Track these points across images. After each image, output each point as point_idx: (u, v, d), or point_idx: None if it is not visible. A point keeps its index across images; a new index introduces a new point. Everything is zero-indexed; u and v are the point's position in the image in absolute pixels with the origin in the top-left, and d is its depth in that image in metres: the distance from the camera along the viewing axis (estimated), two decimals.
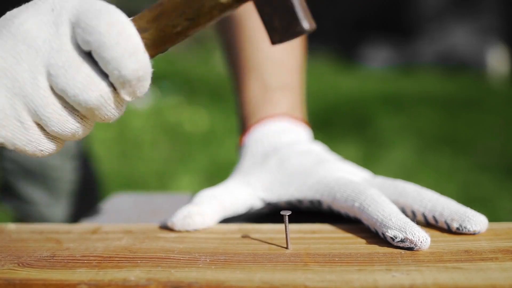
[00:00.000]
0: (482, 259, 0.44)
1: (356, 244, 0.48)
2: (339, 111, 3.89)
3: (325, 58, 6.16)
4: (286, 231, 0.48)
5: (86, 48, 0.42)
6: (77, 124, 0.44)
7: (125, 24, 0.42)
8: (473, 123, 3.54)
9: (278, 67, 0.70)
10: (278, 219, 0.53)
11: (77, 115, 0.44)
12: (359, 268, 0.43)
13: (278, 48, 0.71)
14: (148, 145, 3.20)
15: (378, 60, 6.30)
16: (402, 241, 0.47)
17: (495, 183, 2.45)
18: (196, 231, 0.54)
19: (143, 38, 0.44)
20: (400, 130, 3.34)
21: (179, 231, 0.54)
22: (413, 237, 0.46)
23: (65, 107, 0.44)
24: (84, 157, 1.07)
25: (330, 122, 3.45)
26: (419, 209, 0.52)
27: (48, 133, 0.45)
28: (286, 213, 0.48)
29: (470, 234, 0.49)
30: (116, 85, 0.43)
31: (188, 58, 6.54)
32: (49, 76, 0.42)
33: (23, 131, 0.44)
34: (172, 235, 0.53)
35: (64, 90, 0.42)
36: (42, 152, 0.45)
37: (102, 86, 0.43)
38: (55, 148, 0.46)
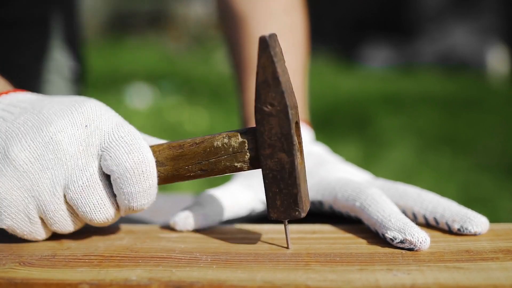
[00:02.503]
0: (483, 259, 0.44)
1: (357, 244, 0.49)
2: (339, 111, 3.89)
3: (325, 58, 6.15)
4: (286, 236, 0.48)
5: (107, 172, 0.46)
6: (74, 226, 0.49)
7: (150, 167, 0.46)
8: (473, 123, 3.54)
9: None
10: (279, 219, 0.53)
11: (78, 220, 0.49)
12: (360, 268, 0.43)
13: (281, 49, 0.71)
14: None
15: (378, 60, 6.30)
16: (401, 242, 0.47)
17: (495, 183, 2.45)
18: (197, 231, 0.54)
19: (158, 171, 0.48)
20: (400, 130, 3.34)
21: (180, 231, 0.54)
22: (412, 238, 0.46)
23: (71, 213, 0.48)
24: None
25: (330, 122, 3.45)
26: (420, 211, 0.52)
27: (48, 227, 0.49)
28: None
29: (471, 235, 0.49)
30: (121, 207, 0.48)
31: (188, 58, 6.54)
32: (67, 189, 0.46)
33: (28, 224, 0.48)
34: (173, 235, 0.53)
35: (76, 206, 0.47)
36: (37, 239, 0.50)
37: (110, 211, 0.48)
38: (48, 236, 0.50)
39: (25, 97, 0.50)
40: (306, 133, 0.65)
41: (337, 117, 3.71)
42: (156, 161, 0.48)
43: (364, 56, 6.44)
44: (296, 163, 0.45)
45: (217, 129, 3.42)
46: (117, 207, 0.48)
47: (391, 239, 0.47)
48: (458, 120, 3.64)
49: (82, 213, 0.47)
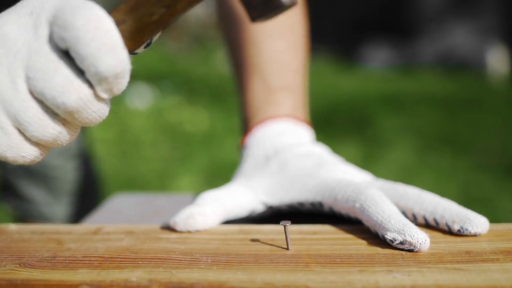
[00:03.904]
0: (483, 260, 0.44)
1: (357, 245, 0.49)
2: (339, 111, 3.89)
3: (325, 59, 6.16)
4: (286, 240, 0.48)
5: (63, 45, 0.41)
6: (59, 129, 0.43)
7: (103, 19, 0.41)
8: (473, 123, 3.54)
9: (281, 67, 0.70)
10: (279, 220, 0.53)
11: (58, 120, 0.43)
12: (360, 269, 0.43)
13: (281, 49, 0.71)
14: (148, 145, 3.20)
15: (378, 60, 6.30)
16: (401, 243, 0.47)
17: (495, 183, 2.45)
18: (197, 232, 0.54)
19: (121, 30, 0.43)
20: (400, 130, 3.34)
21: (180, 232, 0.54)
22: (412, 239, 0.46)
23: (45, 111, 0.42)
24: (85, 157, 1.07)
25: (330, 122, 3.45)
26: (419, 211, 0.52)
27: (29, 138, 0.43)
28: (286, 223, 0.48)
29: (471, 236, 0.49)
30: (93, 81, 0.42)
31: (188, 58, 6.54)
32: (28, 79, 0.41)
33: (3, 136, 0.42)
34: (173, 235, 0.53)
35: (43, 93, 0.41)
36: (23, 158, 0.44)
37: (81, 89, 0.41)
38: (38, 154, 0.44)
39: None
40: (307, 133, 0.65)
41: (337, 117, 3.71)
42: (116, 22, 0.43)
43: (364, 56, 6.44)
44: None
45: (217, 129, 3.42)
46: (89, 84, 0.42)
47: (391, 240, 0.47)
48: (458, 120, 3.64)
49: (52, 101, 0.41)
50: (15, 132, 0.42)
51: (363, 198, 0.52)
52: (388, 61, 6.28)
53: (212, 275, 0.42)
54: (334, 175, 0.57)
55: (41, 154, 0.44)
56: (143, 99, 4.18)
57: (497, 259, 0.44)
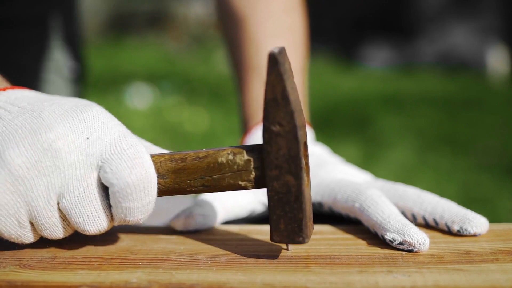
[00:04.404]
0: (483, 261, 0.44)
1: (357, 245, 0.49)
2: (339, 111, 3.89)
3: (325, 58, 6.15)
4: (286, 243, 0.48)
5: (106, 183, 0.45)
6: (65, 233, 0.47)
7: (152, 183, 0.45)
8: (473, 123, 3.53)
9: None
10: None
11: (69, 227, 0.47)
12: (360, 270, 0.43)
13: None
14: None
15: (378, 60, 6.30)
16: (400, 243, 0.47)
17: (495, 183, 2.45)
18: (197, 232, 0.54)
19: (158, 183, 0.47)
20: (400, 130, 3.34)
21: (180, 232, 0.54)
22: (412, 239, 0.46)
23: (63, 220, 0.46)
24: None
25: (330, 122, 3.45)
26: (419, 212, 0.52)
27: (37, 232, 0.47)
28: None
29: (471, 236, 0.49)
30: (115, 220, 0.46)
31: (188, 58, 6.53)
32: (62, 197, 0.45)
33: (17, 228, 0.46)
34: (173, 236, 0.53)
35: (70, 215, 0.45)
36: (23, 242, 0.47)
37: (104, 223, 0.46)
38: (34, 240, 0.48)
39: (23, 94, 0.48)
40: (307, 133, 0.65)
41: (337, 117, 3.71)
42: (157, 174, 0.46)
43: (364, 56, 6.44)
44: (303, 186, 0.44)
45: (217, 129, 3.42)
46: (111, 219, 0.47)
47: (390, 240, 0.47)
48: (458, 120, 3.64)
49: (75, 223, 0.46)
50: (29, 227, 0.46)
51: (363, 198, 0.52)
52: (388, 61, 6.28)
53: (212, 276, 0.42)
54: (334, 175, 0.57)
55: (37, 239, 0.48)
56: (143, 99, 4.18)
57: (497, 259, 0.44)
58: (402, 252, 0.47)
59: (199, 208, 0.55)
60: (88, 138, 0.45)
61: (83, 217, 0.45)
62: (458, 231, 0.49)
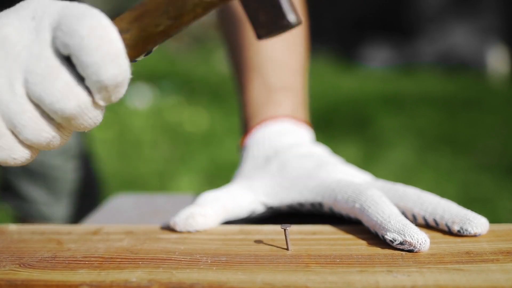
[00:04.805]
0: (483, 261, 0.44)
1: (357, 245, 0.49)
2: (339, 111, 3.89)
3: (325, 58, 6.16)
4: (286, 237, 0.48)
5: (65, 52, 0.41)
6: (53, 133, 0.43)
7: (108, 28, 0.41)
8: (473, 123, 3.54)
9: (280, 67, 0.70)
10: (279, 220, 0.53)
11: (53, 124, 0.43)
12: (360, 270, 0.43)
13: (280, 49, 0.71)
14: (148, 145, 3.20)
15: (378, 60, 6.30)
16: (401, 243, 0.47)
17: (495, 183, 2.45)
18: (197, 232, 0.54)
19: (124, 39, 0.43)
20: (400, 130, 3.34)
21: (180, 232, 0.54)
22: (412, 239, 0.46)
23: (42, 115, 0.42)
24: (85, 157, 1.07)
25: (330, 122, 3.45)
26: (419, 212, 0.52)
27: (22, 141, 0.43)
28: (286, 227, 0.48)
29: (471, 236, 0.49)
30: (92, 89, 0.42)
31: (188, 58, 6.54)
32: (27, 83, 0.41)
33: None
34: (173, 236, 0.53)
35: (41, 98, 0.41)
36: (14, 160, 0.43)
37: (80, 95, 0.41)
38: (28, 157, 0.44)
39: None
40: (307, 134, 0.65)
41: (337, 117, 3.71)
42: (119, 30, 0.43)
43: (364, 56, 6.45)
44: None
45: (217, 129, 3.43)
46: (89, 91, 0.42)
47: (390, 240, 0.47)
48: (458, 120, 3.64)
49: (50, 106, 0.41)
50: (8, 134, 0.42)
51: (363, 198, 0.52)
52: (388, 61, 6.29)
53: (212, 276, 0.42)
54: (334, 175, 0.57)
55: (31, 157, 0.44)
56: (143, 99, 4.18)
57: (497, 260, 0.44)
58: (402, 252, 0.47)
59: (199, 208, 0.55)
60: (34, 17, 0.42)
61: (55, 95, 0.41)
62: (459, 231, 0.49)
